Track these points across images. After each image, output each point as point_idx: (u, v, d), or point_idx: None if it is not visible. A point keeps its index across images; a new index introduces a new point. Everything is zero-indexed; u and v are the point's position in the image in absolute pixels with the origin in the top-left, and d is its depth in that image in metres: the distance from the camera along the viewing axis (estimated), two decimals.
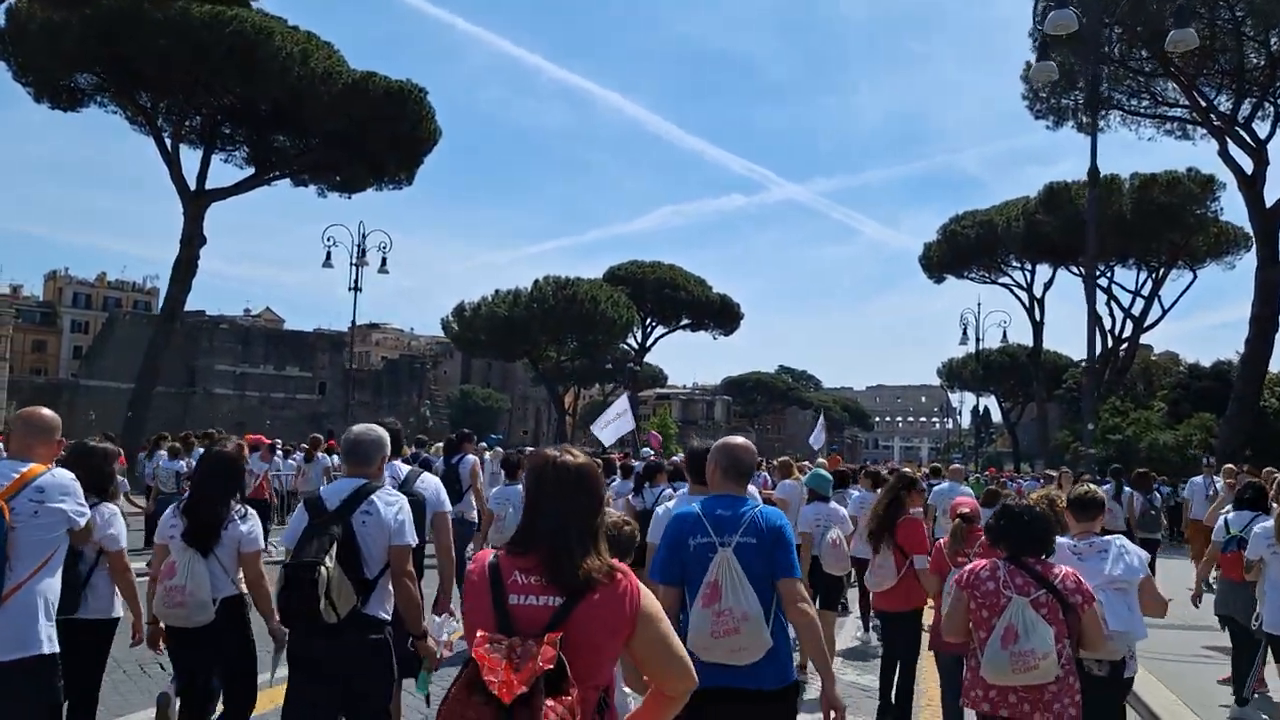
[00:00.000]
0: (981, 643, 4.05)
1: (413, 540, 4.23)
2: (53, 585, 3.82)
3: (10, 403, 68.29)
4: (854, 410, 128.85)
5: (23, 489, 3.72)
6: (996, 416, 72.43)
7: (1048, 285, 46.98)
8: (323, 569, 3.83)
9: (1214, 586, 8.61)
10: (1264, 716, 7.22)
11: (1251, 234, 39.08)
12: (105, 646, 4.95)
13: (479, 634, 2.21)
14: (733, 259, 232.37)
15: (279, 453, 18.91)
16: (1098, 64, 13.17)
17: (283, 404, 78.44)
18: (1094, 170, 12.91)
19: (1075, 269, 43.58)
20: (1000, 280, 47.90)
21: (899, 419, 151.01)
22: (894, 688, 6.62)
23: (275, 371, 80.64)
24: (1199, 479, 14.52)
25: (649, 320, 61.65)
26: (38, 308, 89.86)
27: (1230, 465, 13.52)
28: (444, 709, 2.17)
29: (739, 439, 4.09)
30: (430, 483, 5.48)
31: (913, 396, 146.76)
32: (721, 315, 62.64)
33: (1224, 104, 26.46)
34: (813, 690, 6.18)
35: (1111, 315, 42.20)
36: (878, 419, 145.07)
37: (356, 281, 24.73)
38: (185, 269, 30.45)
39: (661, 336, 63.39)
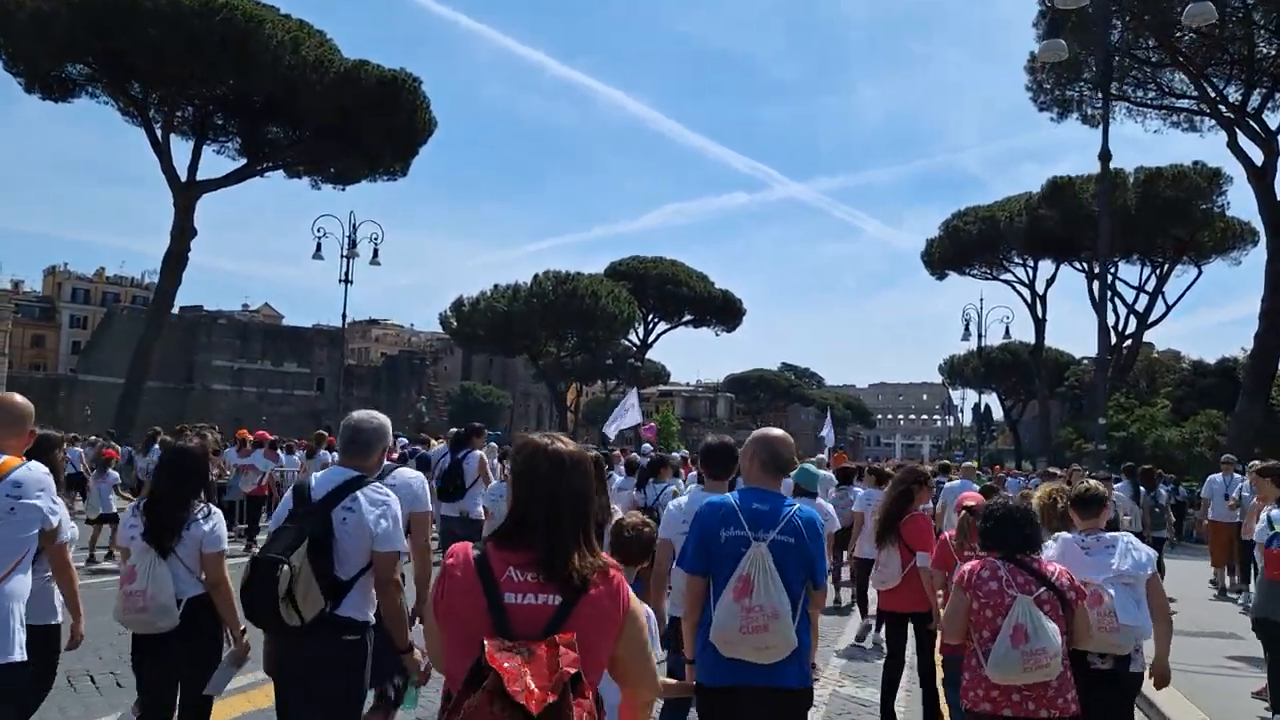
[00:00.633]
0: (984, 643, 4.01)
1: (401, 546, 3.91)
2: (24, 586, 3.63)
3: None
4: (856, 407, 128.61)
5: None
6: (998, 414, 71.92)
7: (1050, 281, 46.59)
8: (287, 567, 3.51)
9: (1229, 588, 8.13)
10: None
11: (1259, 227, 38.97)
12: (46, 657, 4.45)
13: (489, 641, 2.04)
14: (735, 256, 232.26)
15: (281, 450, 18.45)
16: (1109, 36, 12.63)
17: (280, 400, 78.07)
18: (1105, 151, 12.42)
19: (1078, 264, 43.17)
20: (1002, 277, 47.51)
21: (901, 416, 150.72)
22: (896, 700, 6.34)
23: (273, 367, 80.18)
24: (1218, 477, 13.36)
25: (650, 316, 61.24)
26: (36, 303, 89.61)
27: (1256, 463, 12.67)
28: None
29: (777, 431, 4.00)
30: (404, 479, 4.97)
31: (915, 394, 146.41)
32: (723, 311, 62.21)
33: (1233, 95, 25.97)
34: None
35: (1115, 311, 41.72)
36: (880, 416, 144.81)
37: (347, 273, 24.24)
38: (176, 261, 30.10)
39: (663, 333, 63.06)
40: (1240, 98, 25.51)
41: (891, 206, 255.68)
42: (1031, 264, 46.35)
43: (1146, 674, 4.73)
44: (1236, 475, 12.51)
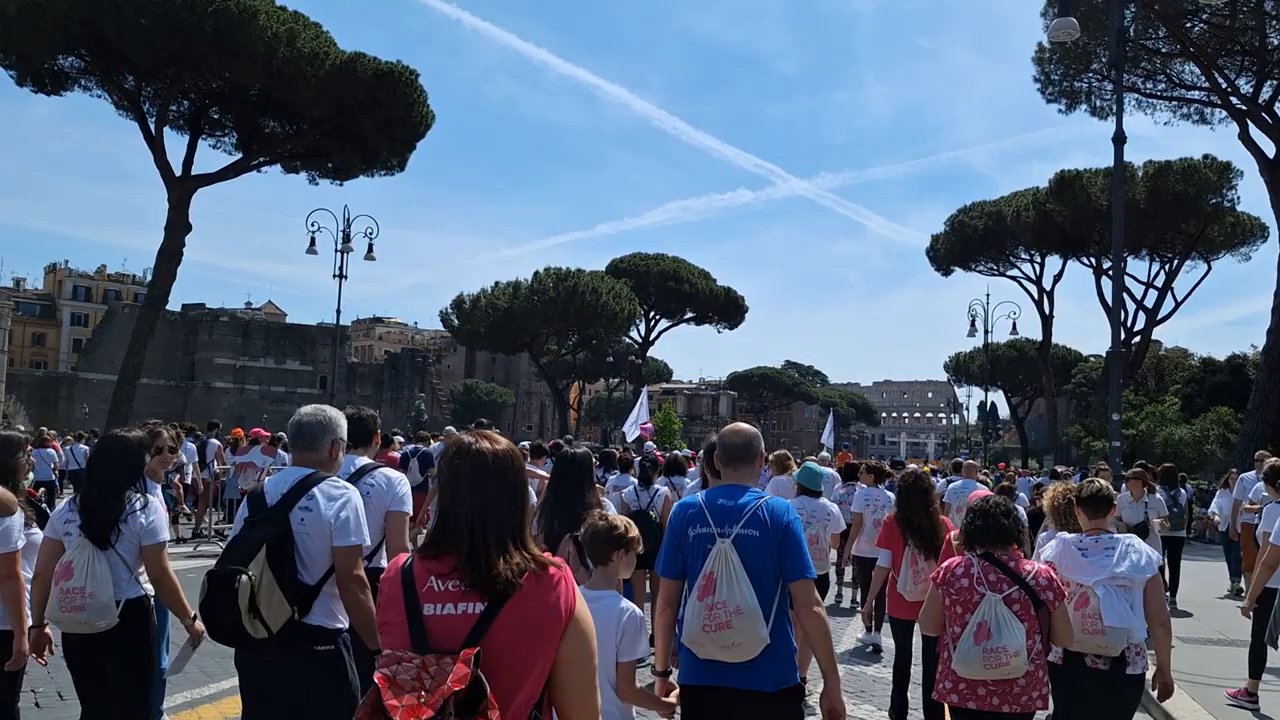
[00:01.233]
0: (955, 637, 4.10)
1: (361, 539, 3.65)
2: None
3: (9, 396, 67.90)
4: (860, 406, 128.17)
5: None
6: (1004, 412, 71.35)
7: (1057, 278, 45.85)
8: (244, 578, 3.33)
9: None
10: None
11: (1269, 222, 38.61)
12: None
13: (384, 652, 1.98)
14: (740, 254, 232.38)
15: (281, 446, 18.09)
16: (1121, 14, 12.10)
17: (283, 398, 77.81)
18: (1120, 134, 11.92)
19: (1086, 260, 42.57)
20: (1009, 273, 46.82)
21: (906, 415, 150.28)
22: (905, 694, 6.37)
23: (275, 365, 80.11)
24: (1250, 475, 12.11)
25: (652, 313, 60.79)
26: (37, 300, 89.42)
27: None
28: None
29: (734, 425, 3.94)
30: (382, 478, 4.79)
31: (919, 392, 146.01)
32: (726, 308, 61.71)
33: (1245, 86, 25.43)
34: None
35: (1124, 307, 41.10)
36: (884, 414, 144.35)
37: (342, 269, 23.79)
38: (170, 257, 29.65)
39: (665, 330, 62.59)
40: (1252, 89, 24.98)
41: (896, 203, 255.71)
42: (1038, 260, 45.68)
43: (1149, 680, 4.70)
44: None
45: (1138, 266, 41.07)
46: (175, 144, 30.50)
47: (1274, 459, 9.06)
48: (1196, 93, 27.45)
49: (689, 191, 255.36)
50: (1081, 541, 4.68)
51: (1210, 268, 40.44)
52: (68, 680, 4.40)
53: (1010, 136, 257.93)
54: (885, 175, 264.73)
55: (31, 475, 16.67)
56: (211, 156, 34.78)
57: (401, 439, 16.50)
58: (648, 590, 7.84)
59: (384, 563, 4.54)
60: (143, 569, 4.31)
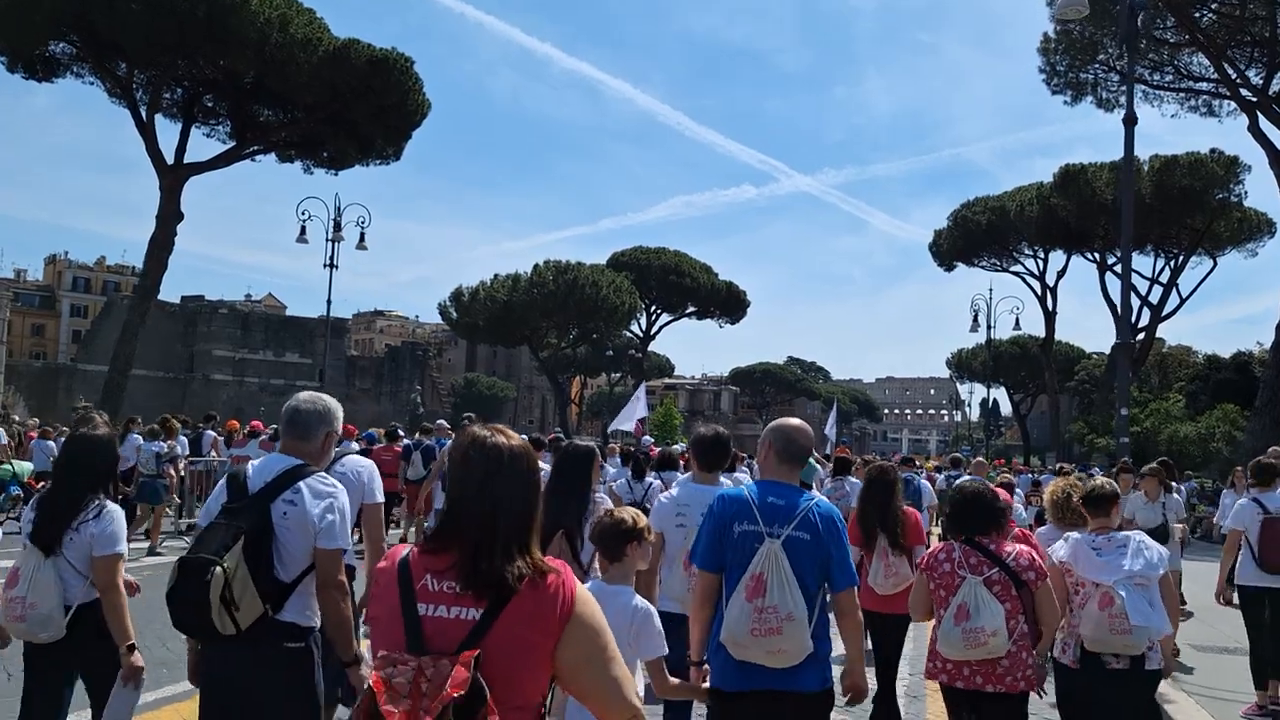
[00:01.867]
0: (939, 620, 4.26)
1: (347, 543, 3.52)
2: None
3: (8, 387, 67.67)
4: (863, 402, 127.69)
5: None
6: (1006, 409, 70.94)
7: (1061, 273, 45.60)
8: (219, 569, 3.15)
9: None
10: None
11: (1275, 218, 38.11)
12: None
13: (379, 653, 1.91)
14: (743, 249, 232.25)
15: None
16: None
17: (282, 390, 77.26)
18: (1130, 115, 11.49)
19: (1090, 255, 42.21)
20: (1012, 269, 46.49)
21: (908, 411, 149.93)
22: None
23: (275, 358, 79.65)
24: None
25: (653, 308, 60.35)
26: (37, 291, 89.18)
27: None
28: None
29: (794, 420, 3.82)
30: (353, 467, 4.64)
31: (922, 388, 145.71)
32: (727, 303, 61.23)
33: (1254, 78, 24.95)
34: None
35: (1132, 295, 40.66)
36: (886, 411, 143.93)
37: (332, 258, 23.41)
38: (162, 246, 29.25)
39: (666, 324, 62.18)
40: (1262, 80, 24.52)
41: (899, 199, 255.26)
42: (1042, 255, 45.35)
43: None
44: None
45: (1142, 262, 40.67)
46: (169, 132, 30.12)
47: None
48: (1205, 84, 27.01)
49: (692, 187, 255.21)
50: (1095, 541, 4.66)
51: (1216, 264, 40.07)
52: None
53: (1012, 133, 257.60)
54: (888, 172, 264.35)
55: (31, 466, 16.41)
56: (206, 145, 34.65)
57: (402, 432, 16.35)
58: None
59: (353, 558, 4.35)
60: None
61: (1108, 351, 45.01)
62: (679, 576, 4.70)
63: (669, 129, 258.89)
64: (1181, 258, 39.61)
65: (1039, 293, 46.03)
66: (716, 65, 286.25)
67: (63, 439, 20.26)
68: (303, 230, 23.43)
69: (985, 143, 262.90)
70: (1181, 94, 27.78)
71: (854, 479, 10.84)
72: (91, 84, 29.96)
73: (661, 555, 4.71)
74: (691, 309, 60.80)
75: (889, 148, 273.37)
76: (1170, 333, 79.33)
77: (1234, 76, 24.59)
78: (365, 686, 1.85)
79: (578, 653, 2.01)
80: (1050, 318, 46.36)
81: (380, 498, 4.66)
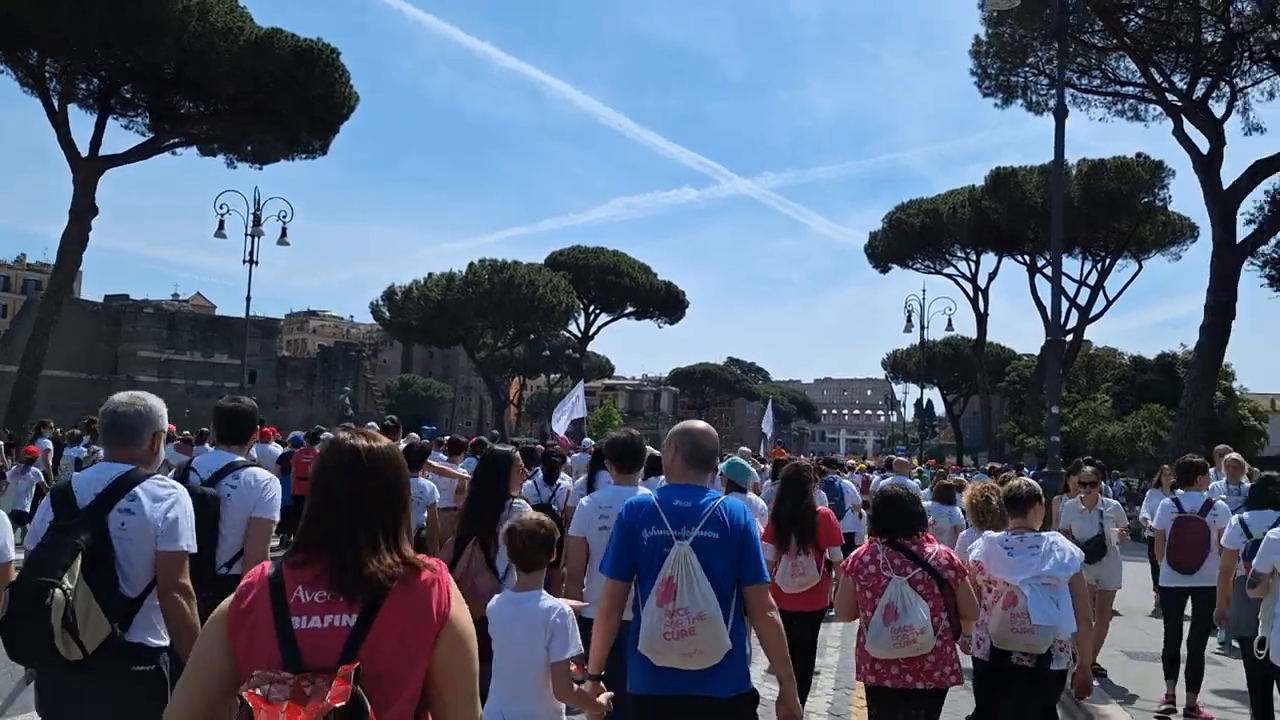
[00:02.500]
0: (867, 621, 4.31)
1: (188, 545, 3.32)
2: None
3: None
4: (801, 403, 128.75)
5: None
6: (940, 409, 71.87)
7: (992, 276, 46.33)
8: (58, 591, 2.95)
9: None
10: None
11: (1198, 222, 39.07)
12: None
13: (255, 674, 1.80)
14: (684, 251, 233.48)
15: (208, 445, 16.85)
16: None
17: (210, 392, 75.22)
18: (1061, 107, 11.41)
19: (1020, 257, 42.85)
20: (945, 271, 47.08)
21: (845, 412, 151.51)
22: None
23: (203, 358, 77.55)
24: (1220, 483, 9.96)
25: (591, 307, 59.90)
26: None
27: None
28: None
29: (700, 423, 3.80)
30: (248, 478, 4.33)
31: (859, 389, 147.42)
32: (667, 303, 61.09)
33: (1180, 83, 25.35)
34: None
35: (1062, 294, 41.29)
36: (825, 411, 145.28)
37: (252, 254, 22.50)
38: (75, 242, 28.00)
39: (605, 325, 61.81)
40: (1187, 85, 24.91)
41: (838, 203, 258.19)
42: (974, 257, 45.98)
43: (1069, 676, 4.83)
44: (1246, 482, 9.57)
45: (1070, 265, 41.39)
46: (85, 124, 28.90)
47: (1234, 455, 8.75)
48: (1131, 88, 27.41)
49: (634, 188, 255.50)
50: (1007, 540, 4.74)
51: (1141, 267, 41.00)
52: None
53: (948, 140, 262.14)
54: (827, 175, 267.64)
55: None
56: (125, 138, 33.39)
57: (329, 435, 15.61)
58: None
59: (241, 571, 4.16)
60: None
61: (1037, 353, 45.84)
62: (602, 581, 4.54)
63: (610, 130, 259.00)
64: (1108, 261, 40.38)
65: (971, 295, 46.69)
66: (659, 68, 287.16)
67: None
68: (221, 225, 22.57)
69: (921, 148, 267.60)
70: (1109, 97, 28.18)
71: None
72: (1, 72, 28.68)
73: (587, 558, 4.67)
74: (630, 309, 60.52)
75: (828, 152, 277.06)
76: (1097, 335, 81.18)
77: (1160, 81, 24.94)
78: (240, 705, 1.77)
79: (449, 659, 1.94)
80: (982, 319, 47.03)
81: (273, 514, 4.31)
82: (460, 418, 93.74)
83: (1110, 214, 36.27)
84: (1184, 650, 7.20)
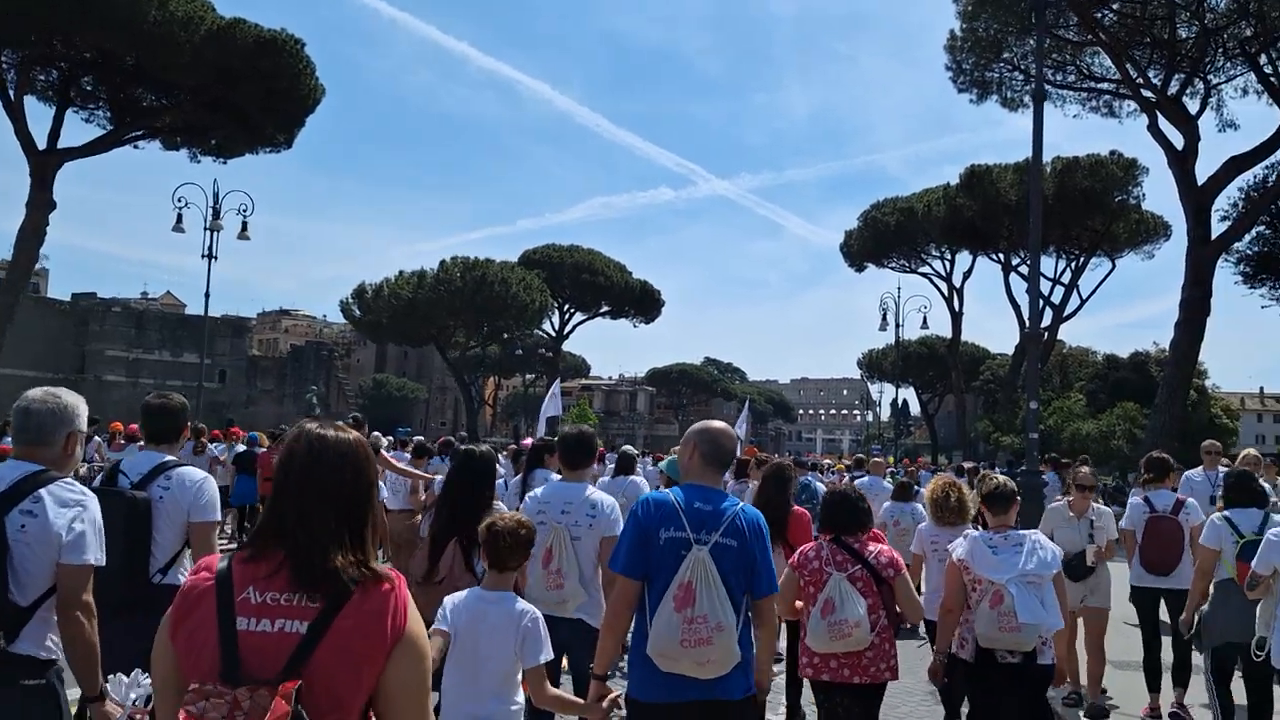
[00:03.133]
0: (808, 615, 4.44)
1: (95, 559, 3.14)
2: None
3: None
4: (778, 403, 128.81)
5: None
6: (915, 408, 71.92)
7: (967, 274, 46.45)
8: None
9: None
10: None
11: (1171, 220, 39.17)
12: None
13: (191, 686, 1.68)
14: (661, 251, 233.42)
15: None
16: None
17: (180, 392, 74.07)
18: (1040, 91, 11.10)
19: (994, 256, 42.86)
20: (920, 270, 47.14)
21: (822, 411, 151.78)
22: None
23: (171, 358, 76.51)
24: (1196, 473, 9.97)
25: (566, 306, 59.43)
26: None
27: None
28: None
29: (718, 423, 3.76)
30: (182, 480, 4.09)
31: (835, 389, 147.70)
32: (642, 302, 60.73)
33: (1155, 79, 25.24)
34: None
35: (1038, 288, 41.27)
36: (801, 411, 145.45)
37: (211, 248, 21.86)
38: (31, 236, 27.29)
39: (580, 324, 61.37)
40: (1161, 80, 24.80)
41: (813, 205, 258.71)
42: (949, 256, 46.01)
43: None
44: (1223, 469, 9.38)
45: (1045, 264, 41.36)
46: (45, 116, 28.18)
47: (1210, 441, 8.47)
48: (1106, 84, 27.27)
49: (610, 188, 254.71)
50: (991, 539, 4.74)
51: (1115, 265, 41.09)
52: None
53: (923, 142, 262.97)
54: (803, 177, 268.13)
55: None
56: (86, 131, 32.54)
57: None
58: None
59: (180, 579, 3.92)
60: None
61: (1011, 353, 45.80)
62: (538, 576, 4.61)
63: (588, 130, 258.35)
64: (1082, 259, 40.46)
65: (946, 294, 46.72)
66: (636, 68, 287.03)
67: None
68: (179, 218, 21.91)
69: (897, 150, 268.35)
70: (1083, 93, 28.07)
71: (753, 480, 10.44)
72: None
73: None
74: (605, 308, 60.12)
75: (804, 153, 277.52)
76: (1070, 335, 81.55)
77: (1135, 76, 24.81)
78: None
79: (403, 677, 1.80)
80: (957, 318, 47.07)
81: (212, 516, 4.09)
82: (435, 418, 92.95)
83: (1084, 211, 36.35)
84: (1166, 658, 6.94)
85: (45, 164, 27.24)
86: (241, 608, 1.78)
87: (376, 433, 13.00)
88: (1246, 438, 43.16)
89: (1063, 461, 15.97)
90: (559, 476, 5.38)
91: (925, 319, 40.82)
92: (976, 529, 5.50)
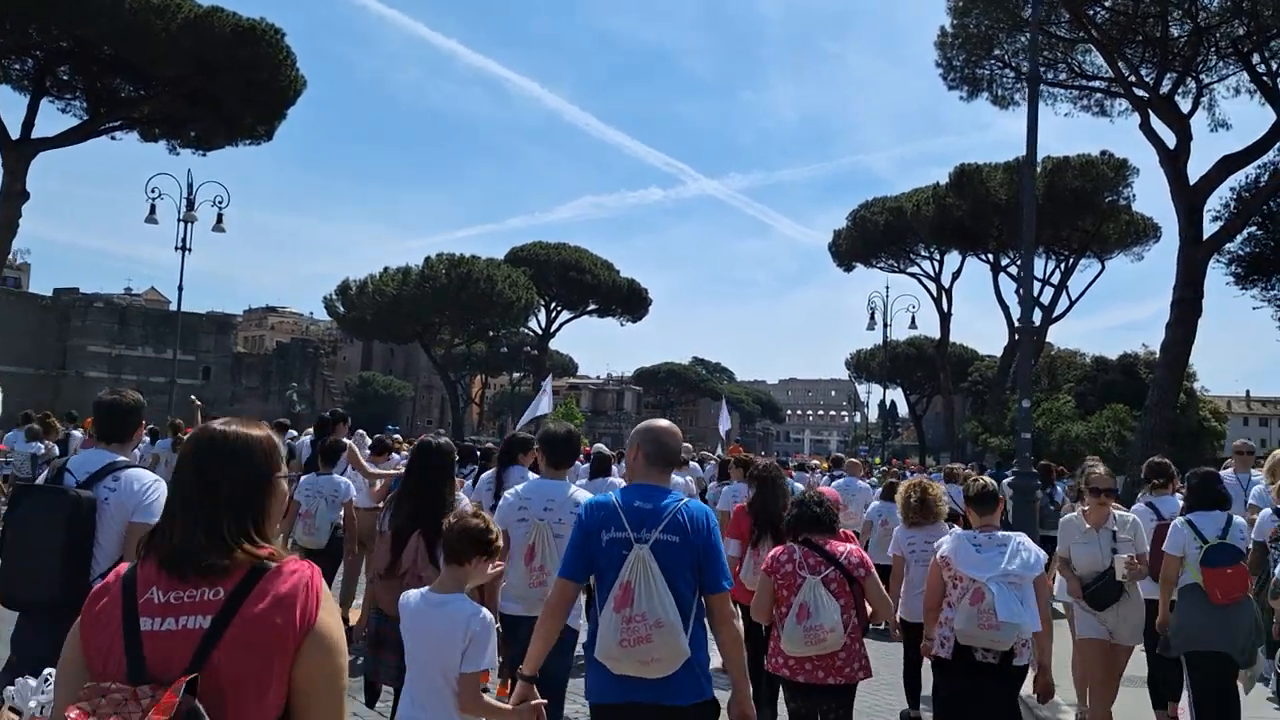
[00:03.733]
0: (782, 618, 4.49)
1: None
2: None
3: None
4: (766, 403, 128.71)
5: None
6: (904, 409, 71.73)
7: (956, 275, 46.13)
8: None
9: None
10: None
11: (1160, 222, 39.00)
12: None
13: (85, 685, 1.69)
14: (650, 251, 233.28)
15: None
16: None
17: (162, 388, 73.48)
18: (1035, 74, 10.78)
19: (984, 256, 42.62)
20: (909, 270, 46.84)
21: (810, 412, 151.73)
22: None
23: (155, 354, 75.78)
24: (1228, 475, 8.84)
25: (553, 304, 59.01)
26: None
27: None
28: None
29: (663, 422, 3.72)
30: (129, 480, 3.96)
31: (823, 390, 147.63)
32: (629, 300, 60.42)
33: (1146, 76, 24.98)
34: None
35: (1021, 303, 41.11)
36: (789, 412, 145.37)
37: (185, 240, 21.36)
38: (4, 228, 26.74)
39: (566, 322, 61.02)
40: (1153, 79, 24.53)
41: (802, 205, 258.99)
42: (938, 256, 45.73)
43: (1029, 680, 4.88)
44: (1255, 473, 8.60)
45: (1034, 264, 41.16)
46: (19, 105, 27.68)
47: (1242, 441, 8.18)
48: (1098, 82, 27.00)
49: (600, 188, 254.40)
50: (976, 537, 4.81)
51: (1104, 267, 40.91)
52: None
53: (911, 142, 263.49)
54: (792, 177, 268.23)
55: None
56: (62, 121, 32.04)
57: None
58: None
59: None
60: None
61: (999, 354, 45.60)
62: (520, 574, 4.62)
63: (577, 129, 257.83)
64: (1071, 260, 40.26)
65: (934, 294, 46.45)
66: (625, 67, 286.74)
67: None
68: (152, 209, 21.42)
69: (885, 151, 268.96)
70: (1075, 91, 27.78)
71: (734, 480, 10.34)
72: None
73: (506, 553, 4.55)
74: (592, 306, 59.78)
75: (793, 154, 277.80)
76: (1058, 337, 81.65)
77: (1127, 75, 24.53)
78: None
79: (312, 670, 1.76)
80: (945, 319, 46.80)
81: (152, 518, 3.83)
82: (421, 416, 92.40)
83: (1074, 212, 36.13)
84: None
85: (20, 154, 26.74)
86: (145, 608, 1.77)
87: (361, 430, 12.68)
88: (1233, 441, 42.89)
89: (1057, 469, 15.49)
90: (534, 475, 5.35)
91: (914, 319, 40.63)
92: (953, 529, 5.67)
